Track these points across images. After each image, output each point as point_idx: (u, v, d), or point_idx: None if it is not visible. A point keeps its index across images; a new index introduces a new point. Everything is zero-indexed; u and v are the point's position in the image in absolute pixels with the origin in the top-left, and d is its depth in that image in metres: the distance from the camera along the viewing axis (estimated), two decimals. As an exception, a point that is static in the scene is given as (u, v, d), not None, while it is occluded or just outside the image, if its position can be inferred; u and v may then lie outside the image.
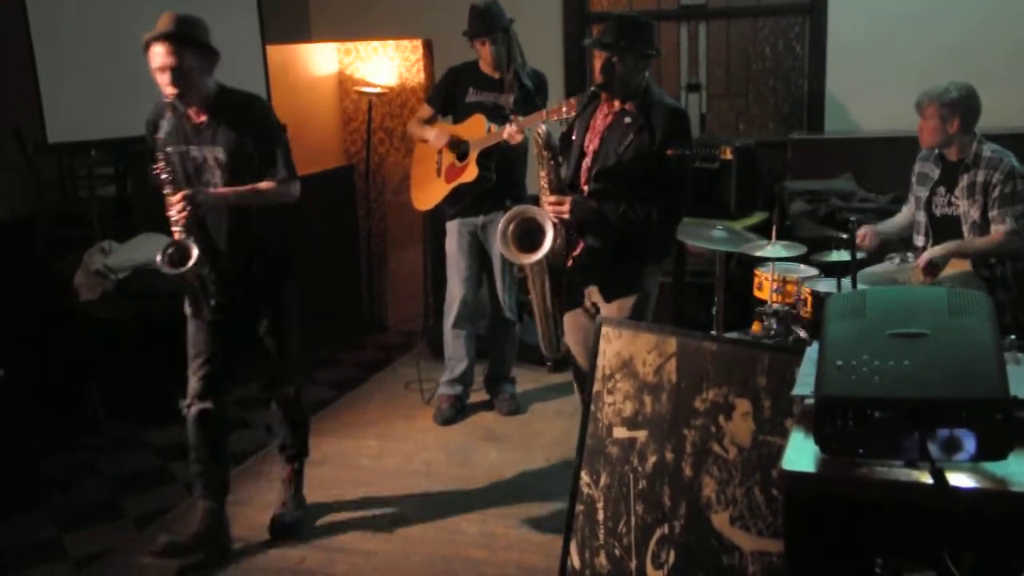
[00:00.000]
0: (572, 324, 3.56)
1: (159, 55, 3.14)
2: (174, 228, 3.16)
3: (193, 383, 3.40)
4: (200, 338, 3.38)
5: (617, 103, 3.38)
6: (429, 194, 4.53)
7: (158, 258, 3.16)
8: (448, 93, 4.49)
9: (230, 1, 5.11)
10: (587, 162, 3.42)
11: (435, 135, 4.45)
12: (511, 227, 3.43)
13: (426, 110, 4.58)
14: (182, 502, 3.92)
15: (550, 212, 3.32)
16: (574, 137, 3.50)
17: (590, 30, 5.85)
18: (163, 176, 3.16)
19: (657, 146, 3.27)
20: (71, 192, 5.31)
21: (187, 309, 3.37)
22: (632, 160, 3.29)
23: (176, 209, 3.13)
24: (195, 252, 3.13)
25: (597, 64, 3.33)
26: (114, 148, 5.00)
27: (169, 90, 3.16)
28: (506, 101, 4.35)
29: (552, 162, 3.34)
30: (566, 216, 3.29)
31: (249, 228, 3.34)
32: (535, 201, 3.52)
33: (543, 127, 3.36)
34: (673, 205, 3.32)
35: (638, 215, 3.26)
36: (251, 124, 3.29)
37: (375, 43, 6.10)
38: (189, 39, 3.15)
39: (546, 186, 3.36)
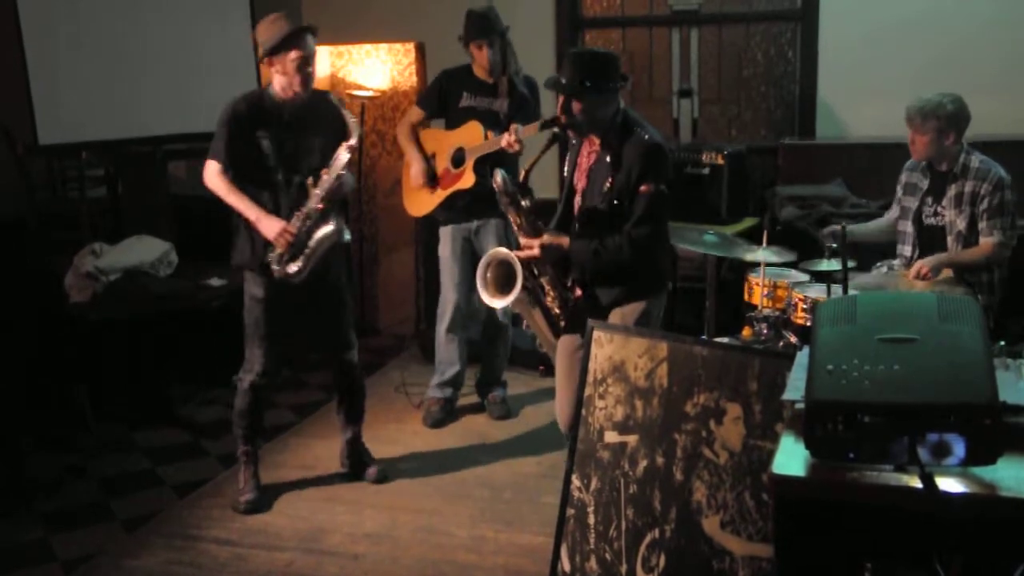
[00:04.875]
0: (564, 349, 3.48)
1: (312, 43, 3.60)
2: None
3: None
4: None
5: (596, 139, 3.32)
6: (423, 201, 4.52)
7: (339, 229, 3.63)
8: (441, 96, 4.47)
9: (223, 4, 5.11)
10: (577, 200, 3.40)
11: (415, 172, 4.45)
12: (489, 273, 3.44)
13: (417, 113, 4.55)
14: (171, 505, 3.91)
15: (522, 255, 3.32)
16: (565, 174, 3.49)
17: (583, 36, 5.86)
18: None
19: (632, 184, 3.20)
20: (61, 194, 5.30)
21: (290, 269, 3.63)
22: (612, 200, 3.24)
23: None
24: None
25: (559, 107, 3.28)
26: (105, 150, 4.99)
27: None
28: (500, 107, 4.35)
29: (513, 206, 3.35)
30: (537, 258, 3.31)
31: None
32: None
33: (500, 176, 3.35)
34: (644, 239, 3.21)
35: (608, 250, 3.20)
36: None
37: (367, 46, 6.09)
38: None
39: (516, 230, 3.39)
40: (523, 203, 3.37)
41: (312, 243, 3.59)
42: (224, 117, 3.59)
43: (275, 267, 3.61)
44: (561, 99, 3.26)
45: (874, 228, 4.25)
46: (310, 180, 3.61)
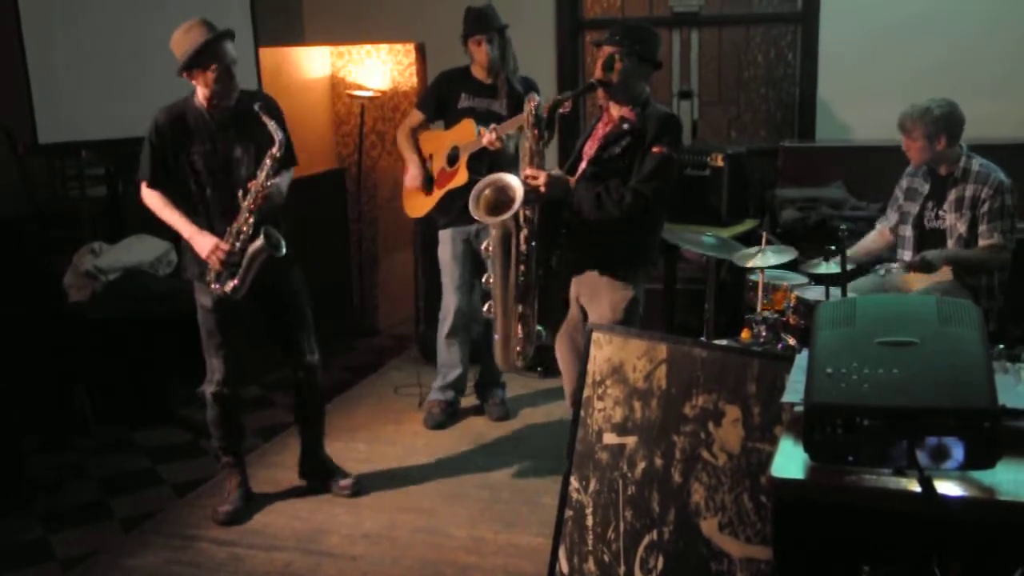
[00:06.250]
0: (564, 344, 3.54)
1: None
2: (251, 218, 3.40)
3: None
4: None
5: (616, 111, 3.39)
6: (421, 201, 4.51)
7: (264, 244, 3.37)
8: (440, 99, 4.47)
9: (223, 3, 5.10)
10: (583, 165, 3.44)
11: (411, 176, 4.46)
12: (486, 191, 3.44)
13: (416, 116, 4.55)
14: (171, 504, 3.91)
15: (528, 183, 3.35)
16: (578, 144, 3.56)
17: (583, 36, 5.86)
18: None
19: (646, 146, 3.33)
20: (61, 193, 5.30)
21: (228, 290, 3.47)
22: (621, 161, 3.34)
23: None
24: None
25: (599, 62, 3.38)
26: (105, 149, 4.99)
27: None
28: (500, 107, 4.35)
29: (535, 133, 3.38)
30: (541, 189, 3.32)
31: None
32: None
33: (538, 99, 3.39)
34: (645, 197, 3.30)
35: (611, 197, 3.29)
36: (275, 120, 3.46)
37: (368, 47, 6.10)
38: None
39: (527, 158, 3.40)
40: (544, 135, 3.43)
41: (245, 259, 3.42)
42: (148, 133, 3.45)
43: (214, 285, 3.46)
44: (603, 57, 3.37)
45: (863, 247, 4.24)
46: (240, 193, 3.42)
